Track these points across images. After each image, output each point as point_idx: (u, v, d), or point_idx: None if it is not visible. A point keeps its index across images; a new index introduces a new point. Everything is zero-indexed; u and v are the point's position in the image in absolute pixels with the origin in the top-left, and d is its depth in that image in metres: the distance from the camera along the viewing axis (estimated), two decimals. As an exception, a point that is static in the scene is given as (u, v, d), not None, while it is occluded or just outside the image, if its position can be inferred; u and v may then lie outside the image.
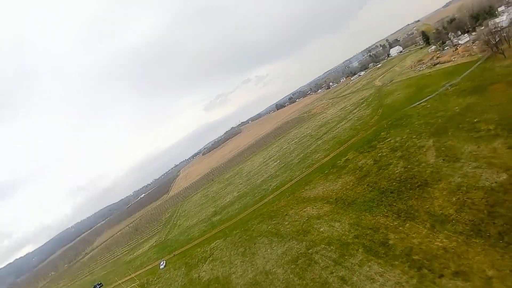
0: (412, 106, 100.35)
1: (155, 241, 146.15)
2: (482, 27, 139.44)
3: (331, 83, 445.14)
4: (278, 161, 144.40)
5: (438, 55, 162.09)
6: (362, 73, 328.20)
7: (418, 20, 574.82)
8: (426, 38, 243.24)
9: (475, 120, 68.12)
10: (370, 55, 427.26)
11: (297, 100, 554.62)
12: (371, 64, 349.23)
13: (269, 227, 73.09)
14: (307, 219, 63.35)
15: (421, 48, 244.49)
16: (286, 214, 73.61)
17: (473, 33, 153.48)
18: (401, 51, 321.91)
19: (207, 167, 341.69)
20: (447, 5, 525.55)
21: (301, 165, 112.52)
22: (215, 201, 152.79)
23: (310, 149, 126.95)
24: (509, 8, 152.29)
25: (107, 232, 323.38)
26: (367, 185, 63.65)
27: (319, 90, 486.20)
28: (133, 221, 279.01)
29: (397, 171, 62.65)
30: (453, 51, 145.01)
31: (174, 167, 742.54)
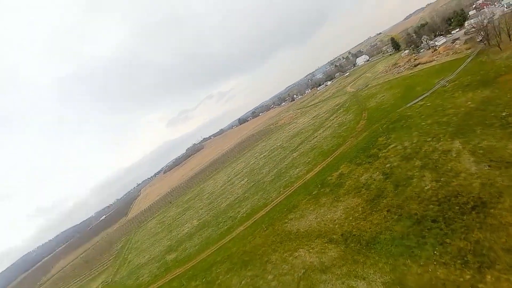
0: (407, 106, 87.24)
1: (102, 282, 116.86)
2: (465, 25, 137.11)
3: (295, 96, 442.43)
4: (246, 179, 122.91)
5: (415, 57, 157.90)
6: (329, 82, 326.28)
7: (380, 33, 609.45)
8: (396, 45, 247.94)
9: (504, 114, 54.81)
10: (335, 65, 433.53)
11: (260, 114, 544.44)
12: (337, 74, 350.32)
13: (243, 282, 50.22)
14: (304, 273, 41.44)
15: (390, 55, 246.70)
16: (267, 261, 51.17)
17: (449, 35, 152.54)
18: (368, 60, 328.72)
19: (167, 186, 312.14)
20: (407, 17, 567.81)
21: (276, 183, 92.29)
22: (171, 230, 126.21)
23: (285, 163, 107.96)
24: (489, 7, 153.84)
25: (64, 259, 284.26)
26: (387, 210, 44.74)
27: (283, 103, 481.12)
28: (85, 250, 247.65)
29: (427, 187, 44.93)
30: (432, 52, 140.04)
31: (136, 186, 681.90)
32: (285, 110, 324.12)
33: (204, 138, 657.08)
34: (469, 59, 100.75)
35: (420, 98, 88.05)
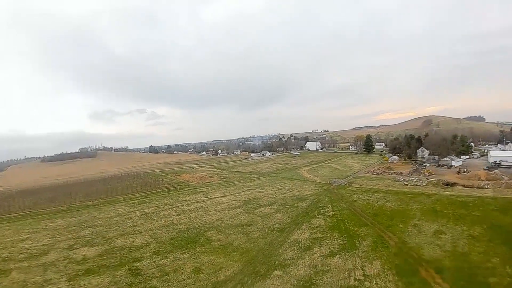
0: None
1: None
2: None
3: (220, 151, 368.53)
4: None
5: (429, 170, 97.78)
6: (268, 153, 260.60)
7: (327, 131, 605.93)
8: (369, 146, 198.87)
9: None
10: (280, 138, 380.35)
11: (175, 152, 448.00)
12: (280, 149, 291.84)
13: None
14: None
15: (357, 153, 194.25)
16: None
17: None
18: (321, 148, 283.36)
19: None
20: (356, 128, 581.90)
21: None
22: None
23: None
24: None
25: None
26: None
27: (204, 153, 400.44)
28: None
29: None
30: (458, 173, 79.31)
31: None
32: (201, 161, 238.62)
33: (104, 147, 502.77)
34: None
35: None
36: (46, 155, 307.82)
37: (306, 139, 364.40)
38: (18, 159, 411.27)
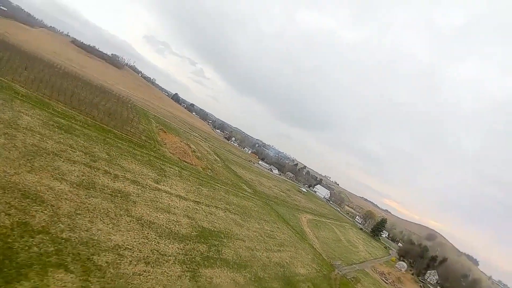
0: None
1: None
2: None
3: (233, 138, 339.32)
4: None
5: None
6: (276, 171, 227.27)
7: (337, 183, 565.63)
8: (378, 230, 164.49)
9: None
10: (295, 164, 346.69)
11: (194, 113, 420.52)
12: (290, 174, 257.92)
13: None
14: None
15: (361, 229, 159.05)
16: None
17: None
18: (328, 200, 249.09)
19: None
20: (366, 199, 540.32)
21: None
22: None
23: None
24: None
25: None
26: None
27: (218, 130, 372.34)
28: None
29: None
30: None
31: None
32: (206, 136, 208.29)
33: (135, 67, 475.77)
34: None
35: None
36: (80, 39, 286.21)
37: (319, 182, 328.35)
38: (60, 31, 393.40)
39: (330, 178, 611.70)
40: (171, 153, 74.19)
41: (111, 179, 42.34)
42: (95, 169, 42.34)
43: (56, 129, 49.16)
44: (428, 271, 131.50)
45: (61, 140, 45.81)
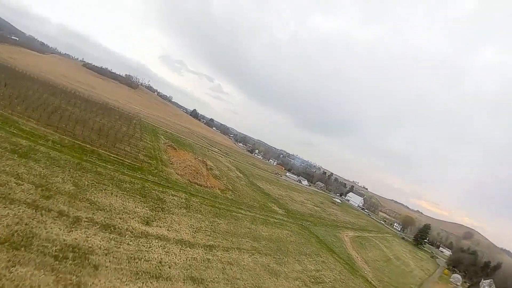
0: None
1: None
2: None
3: (257, 151, 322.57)
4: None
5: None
6: (305, 182, 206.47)
7: (366, 188, 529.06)
8: (423, 237, 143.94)
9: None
10: (324, 172, 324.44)
11: (214, 128, 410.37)
12: (320, 184, 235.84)
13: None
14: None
15: (403, 238, 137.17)
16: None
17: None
18: (363, 207, 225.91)
19: None
20: (396, 202, 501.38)
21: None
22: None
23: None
24: None
25: None
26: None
27: (240, 144, 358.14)
28: None
29: None
30: None
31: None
32: (228, 150, 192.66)
33: (150, 86, 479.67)
34: None
35: None
36: (87, 61, 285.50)
37: (351, 189, 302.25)
38: (75, 56, 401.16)
39: (358, 183, 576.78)
40: (178, 174, 57.71)
41: (67, 227, 25.96)
42: (43, 211, 26.36)
43: (7, 153, 34.27)
44: (483, 280, 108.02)
45: (7, 168, 30.66)
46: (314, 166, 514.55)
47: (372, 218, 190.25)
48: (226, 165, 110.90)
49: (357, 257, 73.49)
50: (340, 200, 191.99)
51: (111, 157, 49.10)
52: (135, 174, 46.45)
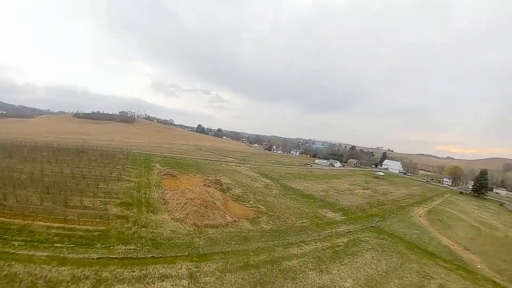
0: None
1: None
2: None
3: (275, 146, 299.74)
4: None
5: None
6: (338, 164, 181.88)
7: (392, 150, 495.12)
8: (483, 185, 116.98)
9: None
10: (353, 147, 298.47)
11: (225, 137, 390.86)
12: (352, 160, 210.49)
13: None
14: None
15: (461, 193, 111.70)
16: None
17: None
18: (404, 172, 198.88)
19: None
20: (423, 155, 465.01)
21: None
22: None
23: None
24: None
25: None
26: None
27: (255, 144, 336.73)
28: None
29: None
30: None
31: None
32: (245, 155, 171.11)
33: (147, 116, 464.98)
34: None
35: None
36: (81, 111, 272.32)
37: (384, 156, 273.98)
38: (69, 112, 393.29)
39: (382, 147, 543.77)
40: (176, 219, 36.06)
41: None
42: None
43: None
44: None
45: None
46: (334, 144, 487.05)
47: (420, 180, 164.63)
48: (247, 175, 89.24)
49: (453, 245, 49.88)
50: (383, 172, 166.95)
51: (52, 230, 28.28)
52: (89, 253, 25.27)
